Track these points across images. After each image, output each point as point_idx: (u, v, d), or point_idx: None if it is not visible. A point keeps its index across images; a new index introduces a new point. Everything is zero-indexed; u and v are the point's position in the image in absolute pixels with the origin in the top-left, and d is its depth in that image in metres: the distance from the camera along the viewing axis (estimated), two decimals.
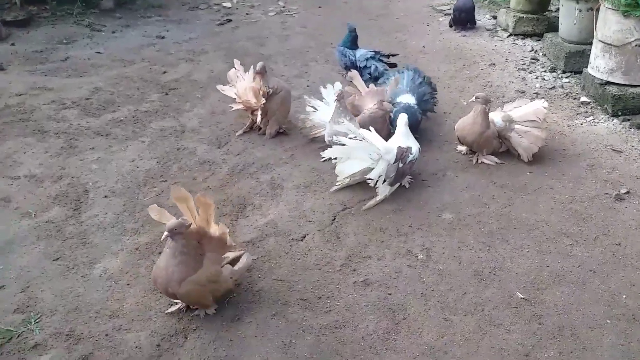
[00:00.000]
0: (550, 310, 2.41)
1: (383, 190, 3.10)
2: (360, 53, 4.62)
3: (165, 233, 2.15)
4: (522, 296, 2.49)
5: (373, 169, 3.05)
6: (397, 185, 3.18)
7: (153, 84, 4.63)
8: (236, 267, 2.43)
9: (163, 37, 5.74)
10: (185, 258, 2.19)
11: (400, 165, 3.05)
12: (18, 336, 2.27)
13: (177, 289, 2.21)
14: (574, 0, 4.53)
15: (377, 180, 3.06)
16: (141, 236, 2.85)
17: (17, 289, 2.51)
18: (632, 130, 3.87)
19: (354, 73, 3.95)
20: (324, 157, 3.26)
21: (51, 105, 4.18)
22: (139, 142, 3.74)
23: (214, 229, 2.36)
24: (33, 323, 2.32)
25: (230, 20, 6.35)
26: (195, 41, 5.67)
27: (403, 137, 3.16)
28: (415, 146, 3.17)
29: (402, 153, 3.05)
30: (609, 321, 2.35)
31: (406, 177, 3.22)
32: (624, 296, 2.48)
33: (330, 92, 3.64)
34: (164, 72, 4.87)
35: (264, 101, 3.63)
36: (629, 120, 3.96)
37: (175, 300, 2.39)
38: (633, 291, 2.51)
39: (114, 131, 3.87)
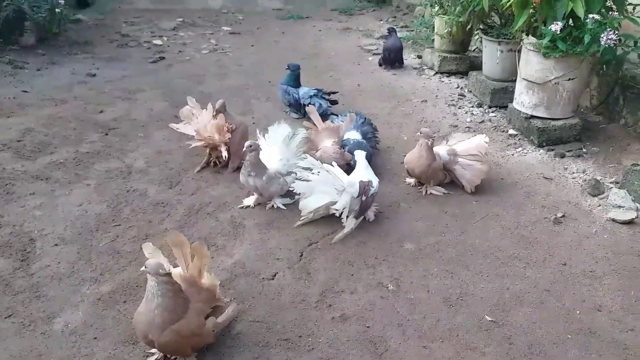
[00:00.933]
0: (518, 331, 2.56)
1: (349, 223, 3.16)
2: (304, 91, 4.74)
3: (143, 269, 2.05)
4: (490, 319, 2.62)
5: (336, 202, 3.11)
6: (361, 218, 3.25)
7: (90, 124, 4.43)
8: (219, 320, 2.35)
9: (94, 75, 5.54)
10: (168, 303, 2.10)
11: (364, 198, 3.14)
12: None
13: (158, 337, 2.10)
14: (496, 43, 4.96)
15: (342, 212, 3.13)
16: (102, 285, 2.69)
17: None
18: (557, 159, 4.25)
19: (311, 108, 4.06)
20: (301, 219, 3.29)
21: None
22: (84, 186, 3.55)
23: (205, 280, 2.29)
24: None
25: (163, 58, 6.27)
26: (129, 79, 5.52)
27: (363, 171, 3.27)
28: (375, 180, 3.29)
29: (364, 187, 3.15)
30: (569, 336, 2.54)
31: (370, 210, 3.32)
32: (578, 312, 2.69)
33: (275, 132, 3.64)
34: (101, 112, 4.69)
35: (229, 136, 3.63)
36: (552, 150, 4.35)
37: (151, 351, 2.27)
38: (584, 307, 2.73)
39: (55, 174, 3.65)
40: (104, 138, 4.21)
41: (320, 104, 4.62)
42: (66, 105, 4.75)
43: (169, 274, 2.08)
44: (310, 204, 3.18)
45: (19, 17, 6.08)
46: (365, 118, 4.27)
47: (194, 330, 2.17)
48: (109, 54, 6.29)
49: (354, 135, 3.98)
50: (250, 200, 3.44)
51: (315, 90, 4.74)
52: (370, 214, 3.33)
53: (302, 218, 3.22)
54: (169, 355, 2.27)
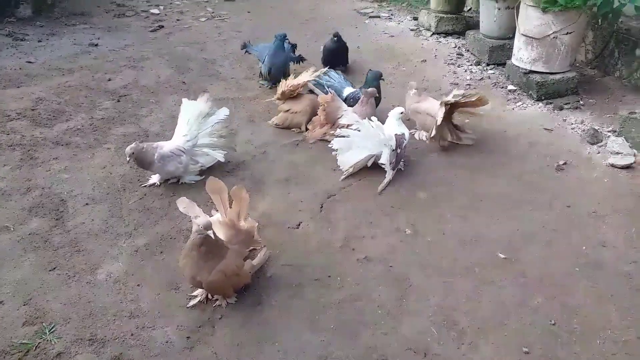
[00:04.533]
0: (530, 266, 2.75)
1: (388, 174, 3.37)
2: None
3: (210, 233, 2.19)
4: (503, 256, 2.81)
5: (374, 155, 3.35)
6: (397, 168, 3.44)
7: (101, 92, 4.50)
8: (255, 262, 2.52)
9: (96, 45, 5.55)
10: (213, 249, 2.25)
11: (399, 150, 3.31)
12: (35, 348, 2.20)
13: (206, 278, 2.26)
14: (494, 0, 5.05)
15: (385, 163, 3.35)
16: (137, 239, 2.83)
17: (19, 302, 2.41)
18: (556, 111, 4.41)
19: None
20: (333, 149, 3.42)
21: None
22: (105, 149, 3.65)
23: (244, 223, 2.43)
24: (48, 333, 2.26)
25: (162, 27, 6.28)
26: (132, 48, 5.55)
27: (395, 124, 3.43)
28: (406, 132, 3.47)
29: (399, 139, 3.32)
30: (577, 269, 2.74)
31: (402, 161, 3.50)
32: (584, 248, 2.89)
33: (189, 107, 3.41)
34: (109, 80, 4.74)
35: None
36: (551, 103, 4.51)
37: (194, 294, 2.43)
38: (590, 243, 2.93)
39: (74, 140, 3.74)
40: (117, 104, 4.29)
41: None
42: (74, 74, 4.79)
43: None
44: (350, 159, 3.38)
45: None
46: (336, 71, 4.39)
47: (235, 269, 2.32)
48: (108, 24, 6.27)
49: (349, 90, 4.14)
50: (155, 178, 3.28)
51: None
52: (402, 164, 3.52)
53: (344, 172, 3.41)
54: (211, 297, 2.43)
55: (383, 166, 3.37)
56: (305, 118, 3.96)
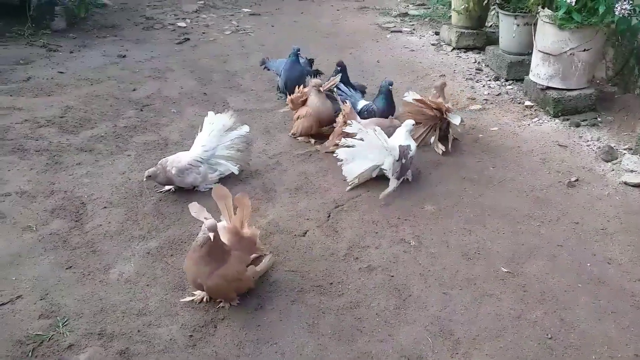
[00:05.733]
0: (531, 280, 2.77)
1: (392, 183, 3.43)
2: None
3: (211, 235, 2.29)
4: (505, 270, 2.84)
5: (378, 166, 3.42)
6: (403, 178, 3.50)
7: (125, 101, 4.70)
8: (258, 268, 2.61)
9: (124, 56, 5.79)
10: (215, 253, 2.35)
11: (403, 161, 3.38)
12: (49, 339, 2.33)
13: (206, 281, 2.36)
14: (512, 17, 5.09)
15: (387, 172, 3.41)
16: (149, 241, 2.96)
17: (36, 297, 2.55)
18: (572, 128, 4.40)
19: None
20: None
21: (25, 124, 4.16)
22: (125, 156, 3.82)
23: (246, 230, 2.53)
24: (61, 326, 2.39)
25: (188, 39, 6.49)
26: (157, 60, 5.77)
27: (403, 137, 3.50)
28: (413, 144, 3.52)
29: (403, 151, 3.39)
30: (580, 285, 2.74)
31: (409, 172, 3.56)
32: (589, 264, 2.89)
33: (213, 119, 3.56)
34: (134, 90, 4.95)
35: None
36: (568, 119, 4.50)
37: (195, 292, 2.54)
38: (595, 260, 2.92)
39: (97, 147, 3.92)
40: (140, 114, 4.47)
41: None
42: (101, 84, 5.02)
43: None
44: (354, 170, 3.46)
45: (50, 2, 6.36)
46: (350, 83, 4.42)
47: (236, 275, 2.42)
48: (136, 36, 6.53)
49: (363, 103, 4.23)
50: (170, 185, 3.41)
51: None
52: (409, 175, 3.57)
53: (350, 183, 3.49)
54: (214, 299, 2.53)
55: (386, 173, 3.42)
56: (310, 121, 3.99)
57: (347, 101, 4.04)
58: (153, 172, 3.24)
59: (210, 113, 3.62)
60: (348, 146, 3.43)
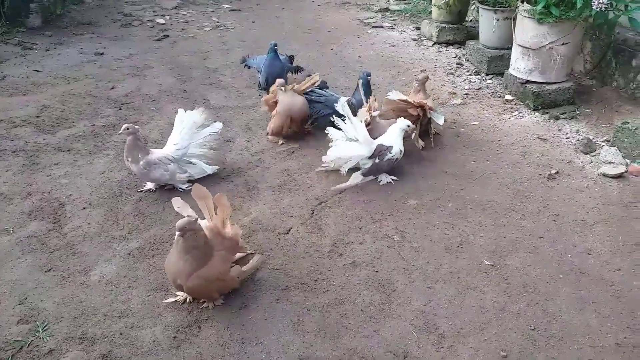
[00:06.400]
0: (514, 272, 2.79)
1: (353, 178, 3.38)
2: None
3: (177, 233, 2.26)
4: (488, 263, 2.86)
5: (351, 157, 3.41)
6: (370, 178, 3.47)
7: (104, 100, 4.62)
8: (244, 268, 2.58)
9: (102, 54, 5.70)
10: (195, 252, 2.31)
11: (377, 160, 3.35)
12: (28, 345, 2.28)
13: (185, 282, 2.33)
14: (492, 11, 5.12)
15: (348, 163, 3.41)
16: (130, 242, 2.92)
17: (15, 301, 2.50)
18: (551, 121, 4.45)
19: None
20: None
21: (0, 125, 4.06)
22: (105, 156, 3.76)
23: (228, 230, 2.50)
24: (41, 331, 2.34)
25: (167, 36, 6.41)
26: (136, 57, 5.68)
27: (391, 137, 3.48)
28: (397, 147, 3.46)
29: (380, 150, 3.36)
30: (561, 276, 2.77)
31: (386, 175, 3.53)
32: (569, 255, 2.92)
33: (184, 116, 3.51)
34: (112, 88, 4.87)
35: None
36: (547, 113, 4.55)
37: (177, 293, 2.51)
38: (575, 251, 2.96)
39: (75, 146, 3.85)
40: (118, 112, 4.40)
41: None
42: (78, 82, 4.93)
43: (194, 229, 2.28)
44: (332, 153, 3.45)
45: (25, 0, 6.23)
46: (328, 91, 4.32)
47: (218, 275, 2.39)
48: (114, 33, 6.43)
49: (344, 98, 4.19)
50: (151, 184, 3.37)
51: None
52: (384, 178, 3.53)
53: (323, 165, 3.47)
54: (198, 300, 2.50)
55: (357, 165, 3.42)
56: (280, 120, 3.90)
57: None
58: (133, 127, 3.21)
59: (180, 110, 3.54)
60: (340, 129, 3.42)
